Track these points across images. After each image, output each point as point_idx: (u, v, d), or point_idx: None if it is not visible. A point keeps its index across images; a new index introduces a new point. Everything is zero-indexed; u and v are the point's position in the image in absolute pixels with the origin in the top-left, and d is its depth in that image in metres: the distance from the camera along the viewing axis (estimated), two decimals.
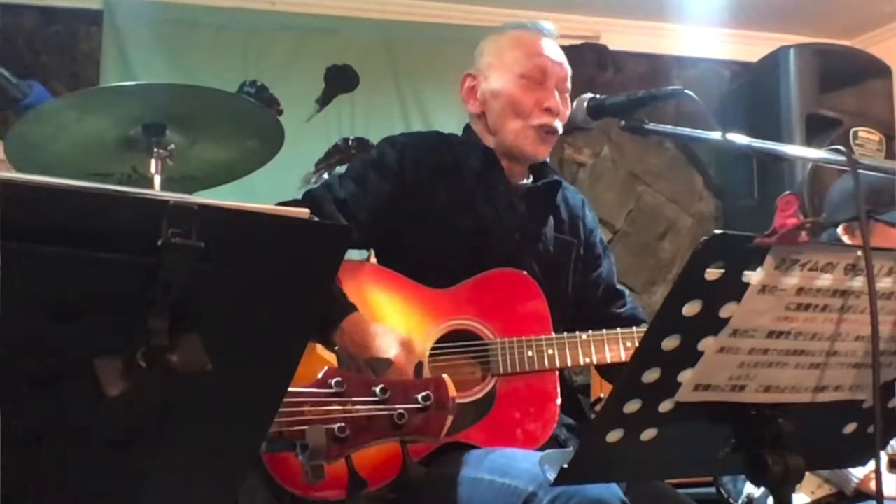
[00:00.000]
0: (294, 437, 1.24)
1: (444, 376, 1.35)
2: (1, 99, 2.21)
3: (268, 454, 1.64)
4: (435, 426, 1.32)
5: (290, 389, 1.25)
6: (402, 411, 1.30)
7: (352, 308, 1.81)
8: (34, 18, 3.75)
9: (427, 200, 2.00)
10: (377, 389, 1.30)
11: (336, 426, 1.26)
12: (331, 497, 1.66)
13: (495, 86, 2.06)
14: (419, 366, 1.47)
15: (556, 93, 2.03)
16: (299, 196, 2.05)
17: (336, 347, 1.77)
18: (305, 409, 1.26)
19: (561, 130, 2.05)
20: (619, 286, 2.21)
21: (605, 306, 2.14)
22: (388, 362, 1.38)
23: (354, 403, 1.29)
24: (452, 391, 1.34)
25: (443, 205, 2.01)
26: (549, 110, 2.01)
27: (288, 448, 1.27)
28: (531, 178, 2.14)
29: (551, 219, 2.11)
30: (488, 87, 2.07)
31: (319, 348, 1.80)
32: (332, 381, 1.29)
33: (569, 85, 2.08)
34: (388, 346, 1.74)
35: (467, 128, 2.15)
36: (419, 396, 1.31)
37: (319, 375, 1.30)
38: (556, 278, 2.03)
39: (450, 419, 1.33)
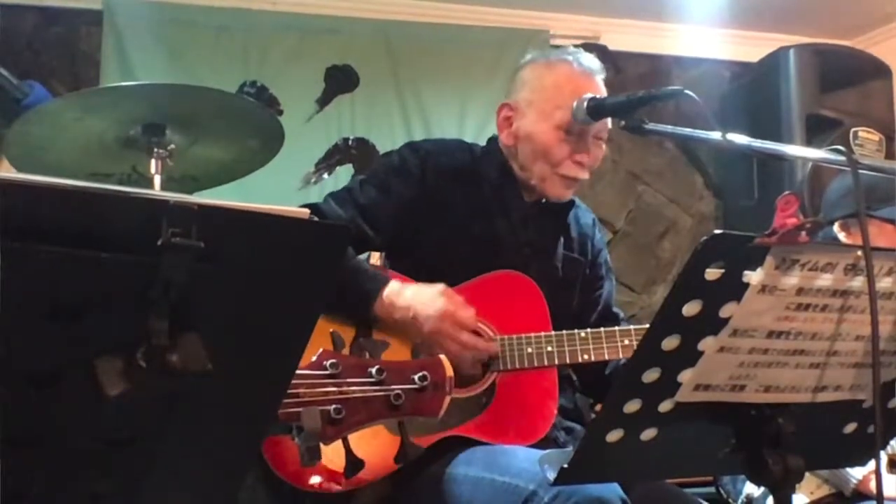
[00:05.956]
0: (289, 419, 1.23)
1: (441, 356, 1.35)
2: (1, 99, 2.21)
3: (266, 443, 1.64)
4: (432, 405, 1.31)
5: None
6: (398, 392, 1.29)
7: (385, 279, 1.85)
8: (34, 18, 3.75)
9: (444, 205, 2.01)
10: (373, 370, 1.30)
11: (331, 407, 1.25)
12: (329, 489, 1.67)
13: (531, 129, 2.01)
14: (416, 347, 1.46)
15: (592, 141, 2.01)
16: (309, 200, 2.08)
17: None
18: (300, 391, 1.25)
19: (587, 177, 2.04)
20: (615, 309, 2.22)
21: (599, 327, 2.13)
22: (384, 344, 1.37)
23: (350, 385, 1.28)
24: (449, 371, 1.33)
25: (459, 210, 2.01)
26: (580, 164, 2.00)
27: (284, 431, 1.26)
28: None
29: (562, 238, 2.12)
30: (523, 127, 2.03)
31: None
32: (327, 363, 1.29)
33: (605, 135, 2.05)
34: (429, 299, 1.82)
35: (493, 139, 2.13)
36: (416, 377, 1.31)
37: (314, 358, 1.29)
38: (562, 296, 2.03)
39: (447, 399, 1.32)
